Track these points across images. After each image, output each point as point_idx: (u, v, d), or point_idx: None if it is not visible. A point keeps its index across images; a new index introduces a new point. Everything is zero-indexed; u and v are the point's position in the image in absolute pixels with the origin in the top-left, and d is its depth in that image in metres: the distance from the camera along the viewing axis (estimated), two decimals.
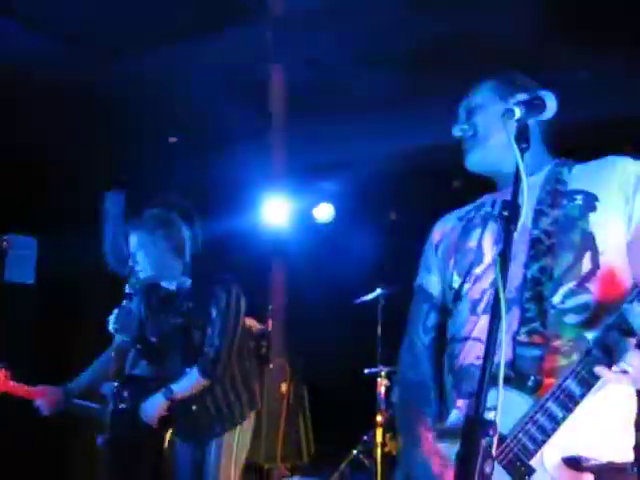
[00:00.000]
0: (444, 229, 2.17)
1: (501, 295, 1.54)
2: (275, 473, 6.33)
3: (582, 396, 1.64)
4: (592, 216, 1.87)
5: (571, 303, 1.83)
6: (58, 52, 4.66)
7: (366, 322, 5.78)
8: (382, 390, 5.60)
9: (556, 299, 1.83)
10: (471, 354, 1.91)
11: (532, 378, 1.76)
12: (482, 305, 1.93)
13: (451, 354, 2.00)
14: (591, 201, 1.89)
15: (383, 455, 5.40)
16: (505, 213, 1.63)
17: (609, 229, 1.86)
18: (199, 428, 3.69)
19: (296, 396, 6.77)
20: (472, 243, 2.02)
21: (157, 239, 3.67)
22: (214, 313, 3.61)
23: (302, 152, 5.99)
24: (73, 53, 4.69)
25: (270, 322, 6.64)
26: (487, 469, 1.42)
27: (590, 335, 1.77)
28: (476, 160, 2.07)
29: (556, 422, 1.66)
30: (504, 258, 1.59)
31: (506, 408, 1.67)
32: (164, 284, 3.77)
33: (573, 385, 1.65)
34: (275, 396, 6.55)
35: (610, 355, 1.62)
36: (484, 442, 1.43)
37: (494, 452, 1.44)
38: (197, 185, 6.29)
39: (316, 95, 5.33)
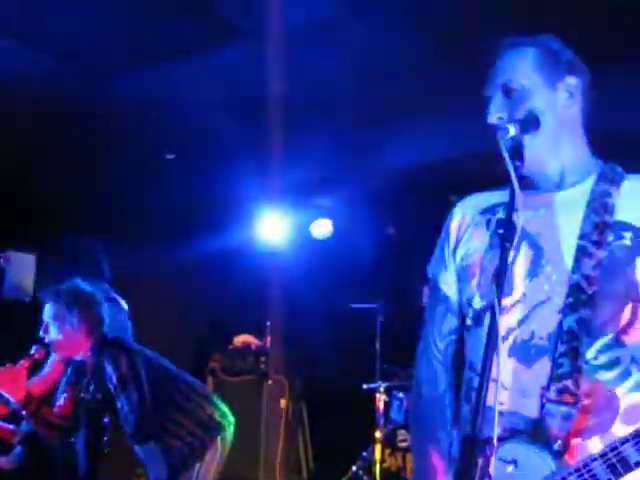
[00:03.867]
0: (464, 218, 1.98)
1: (497, 312, 1.52)
2: None
3: None
4: (639, 261, 1.72)
5: (604, 359, 1.71)
6: (51, 69, 4.66)
7: (365, 338, 5.79)
8: (381, 406, 5.58)
9: (590, 354, 1.70)
10: (492, 397, 1.67)
11: (559, 442, 1.65)
12: (506, 345, 1.76)
13: (469, 383, 1.86)
14: None
15: (382, 471, 5.38)
16: (500, 231, 1.62)
17: None
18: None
19: (295, 412, 6.75)
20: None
21: (73, 317, 3.61)
22: (113, 391, 3.54)
23: (299, 168, 6.00)
24: (66, 70, 4.69)
25: (268, 338, 6.64)
26: None
27: (620, 391, 1.71)
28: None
29: None
30: (500, 276, 1.58)
31: (526, 464, 1.65)
32: (75, 358, 3.72)
33: (600, 469, 1.57)
34: (274, 412, 6.54)
35: None
36: (481, 461, 1.42)
37: (492, 471, 1.43)
38: (194, 202, 6.32)
39: (313, 111, 5.34)
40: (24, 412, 3.62)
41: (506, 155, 1.64)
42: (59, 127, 5.24)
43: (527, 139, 1.76)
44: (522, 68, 1.84)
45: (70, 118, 5.13)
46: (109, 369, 3.54)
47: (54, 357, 3.74)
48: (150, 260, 5.94)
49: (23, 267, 5.49)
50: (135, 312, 4.10)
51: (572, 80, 1.85)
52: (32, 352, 3.67)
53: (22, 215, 5.59)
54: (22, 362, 3.63)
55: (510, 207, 1.62)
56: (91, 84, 4.86)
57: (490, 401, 1.50)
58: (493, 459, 1.43)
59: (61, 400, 3.74)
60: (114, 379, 3.52)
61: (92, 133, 5.35)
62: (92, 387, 3.66)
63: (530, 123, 1.76)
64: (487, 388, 1.48)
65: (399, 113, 5.31)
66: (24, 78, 4.71)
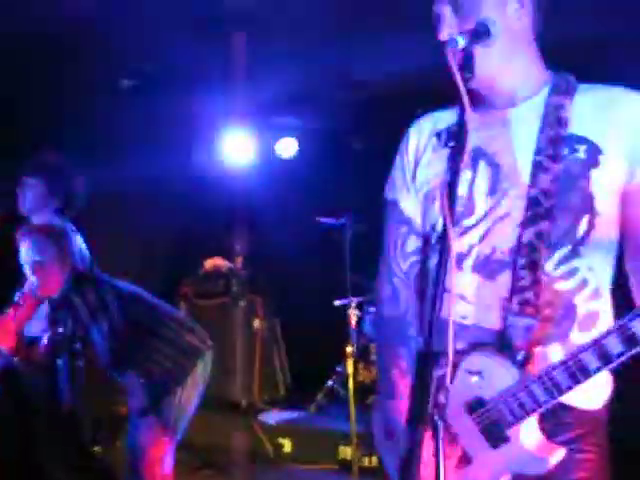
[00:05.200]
0: (419, 141, 1.97)
1: (449, 228, 1.52)
2: (253, 408, 6.42)
3: (568, 388, 1.61)
4: (594, 173, 1.73)
5: (564, 269, 1.75)
6: None
7: (334, 254, 5.80)
8: (353, 321, 5.65)
9: (549, 266, 1.74)
10: (449, 309, 1.66)
11: (522, 352, 1.70)
12: (469, 261, 1.81)
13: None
14: (594, 155, 1.74)
15: (356, 384, 5.48)
16: (451, 144, 1.61)
17: (609, 188, 1.74)
18: None
19: (269, 331, 6.83)
20: (461, 190, 1.80)
21: (51, 255, 3.60)
22: (86, 323, 3.60)
23: (262, 87, 5.91)
24: None
25: (239, 260, 6.66)
26: (441, 399, 1.44)
27: (577, 300, 1.75)
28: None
29: (538, 404, 1.64)
30: (451, 189, 1.58)
31: (490, 374, 1.71)
32: (52, 296, 3.73)
33: (561, 377, 1.60)
34: (248, 332, 6.60)
35: (605, 361, 1.56)
36: (437, 373, 1.44)
37: (448, 383, 1.45)
38: (156, 124, 6.22)
39: (276, 28, 5.23)
40: (16, 359, 3.66)
41: (455, 68, 1.61)
42: (12, 50, 5.08)
43: (478, 52, 1.72)
44: None
45: (23, 39, 4.97)
46: (78, 302, 3.58)
47: (34, 298, 3.74)
48: (112, 184, 5.86)
49: None
50: (101, 240, 4.06)
51: None
52: (16, 299, 3.67)
53: None
54: (9, 311, 3.63)
55: (460, 119, 1.61)
56: (45, 5, 4.70)
57: (445, 313, 1.51)
58: (449, 370, 1.45)
59: (44, 339, 3.77)
60: (85, 311, 3.56)
61: (43, 61, 5.20)
62: (69, 321, 3.69)
63: (480, 33, 1.72)
64: (441, 300, 1.49)
65: (363, 28, 5.22)
66: None
